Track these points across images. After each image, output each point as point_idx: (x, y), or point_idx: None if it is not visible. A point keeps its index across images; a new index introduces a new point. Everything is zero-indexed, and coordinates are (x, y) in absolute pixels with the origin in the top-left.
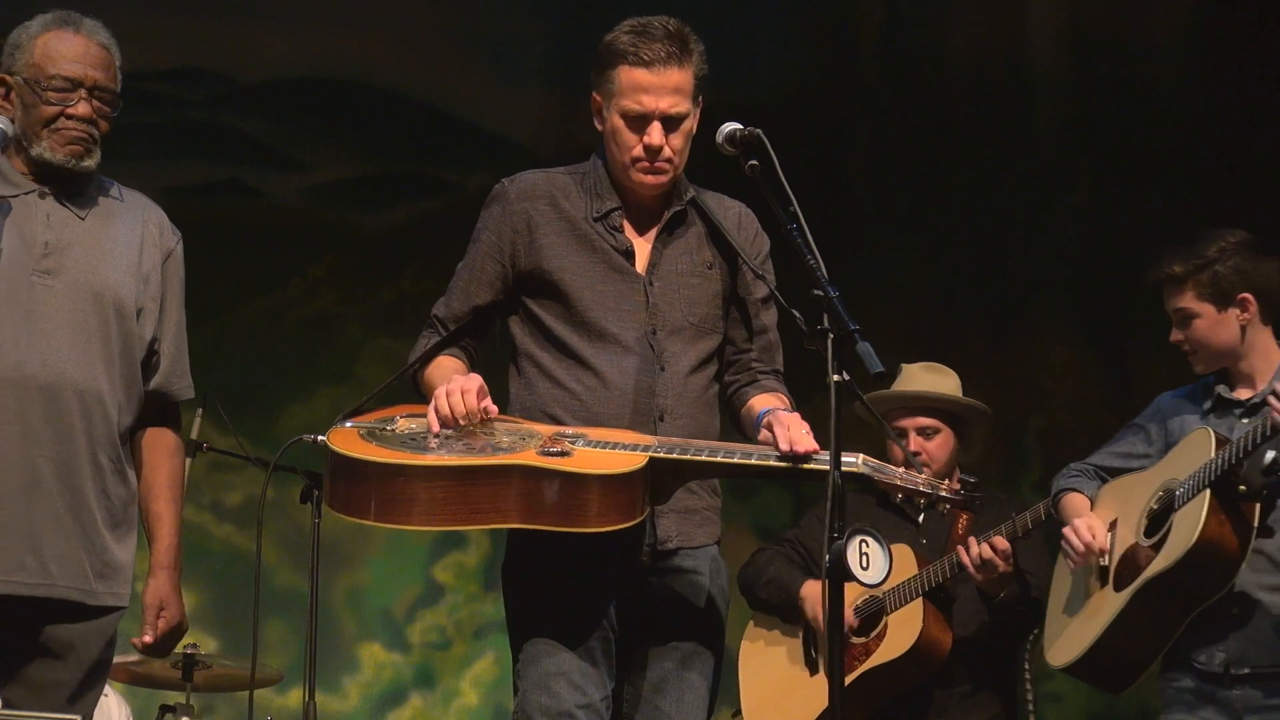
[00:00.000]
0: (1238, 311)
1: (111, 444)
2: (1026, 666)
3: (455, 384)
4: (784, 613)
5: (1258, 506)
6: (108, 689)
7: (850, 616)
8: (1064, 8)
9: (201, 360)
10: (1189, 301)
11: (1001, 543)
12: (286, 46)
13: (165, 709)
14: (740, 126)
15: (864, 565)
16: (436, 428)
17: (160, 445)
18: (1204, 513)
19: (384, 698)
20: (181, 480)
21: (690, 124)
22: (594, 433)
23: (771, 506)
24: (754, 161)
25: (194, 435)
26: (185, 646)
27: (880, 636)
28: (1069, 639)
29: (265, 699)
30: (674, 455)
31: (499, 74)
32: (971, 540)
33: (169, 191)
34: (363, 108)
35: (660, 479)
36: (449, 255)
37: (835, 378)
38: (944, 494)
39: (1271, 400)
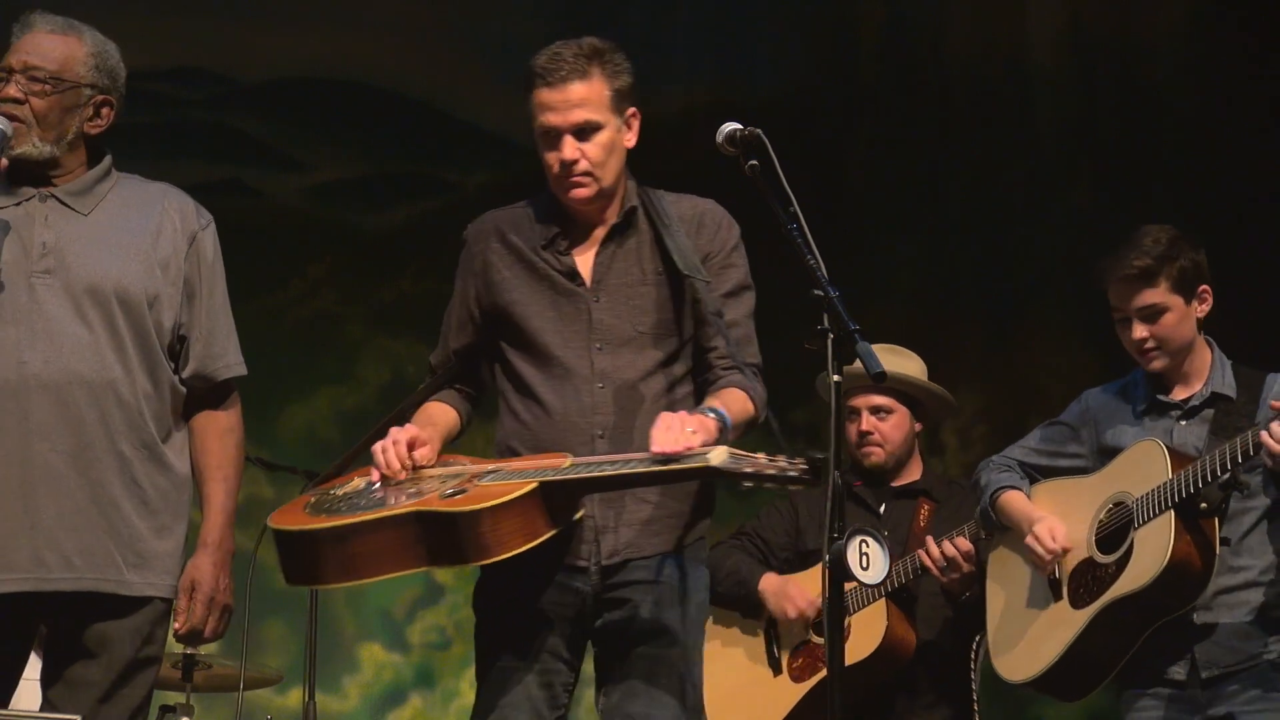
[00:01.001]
0: (1197, 304)
1: (136, 432)
2: (973, 674)
3: (389, 438)
4: (743, 607)
5: (1217, 520)
6: None
7: (811, 614)
8: (1064, 8)
9: None
10: (1162, 296)
11: (964, 543)
12: (287, 46)
13: (165, 709)
14: (740, 126)
15: (864, 565)
16: (376, 478)
17: (210, 428)
18: (1171, 534)
19: (384, 698)
20: (234, 460)
21: (608, 135)
22: (516, 464)
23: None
24: (754, 161)
25: None
26: (186, 647)
27: (844, 637)
28: (1025, 654)
29: (265, 699)
30: (559, 477)
31: (499, 74)
32: (931, 541)
33: None
34: (363, 108)
35: (560, 498)
36: (449, 256)
37: (835, 378)
38: (792, 474)
39: (1267, 439)
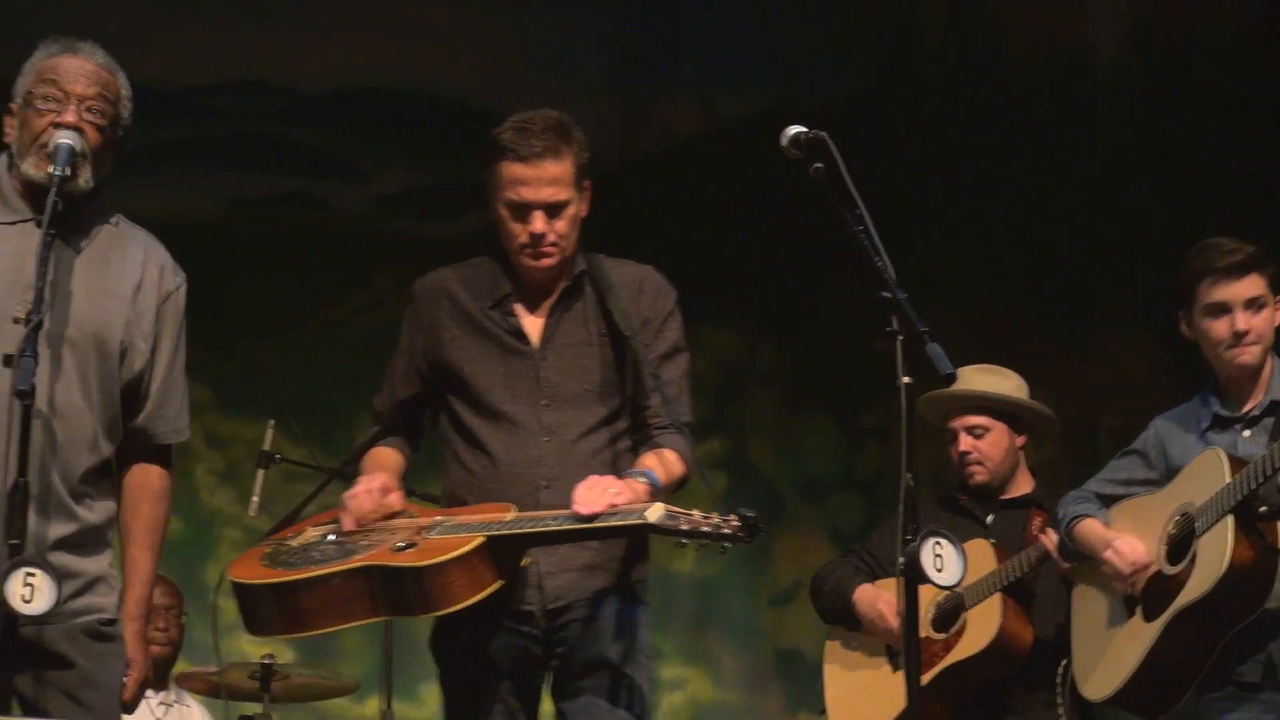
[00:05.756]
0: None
1: (80, 474)
2: (1060, 698)
3: (361, 485)
4: (844, 620)
5: (1278, 524)
6: (189, 700)
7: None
8: (1126, 8)
9: (272, 371)
10: (1262, 288)
11: None
12: (351, 58)
13: (244, 719)
14: (805, 129)
15: (938, 567)
16: (348, 526)
17: (143, 488)
18: (1230, 538)
19: None
20: (161, 527)
21: (574, 209)
22: (461, 516)
23: (842, 510)
24: (819, 164)
25: (266, 446)
26: (263, 657)
27: (959, 633)
28: (1104, 671)
29: (343, 708)
30: (504, 532)
31: (560, 82)
32: (1051, 530)
33: (236, 204)
34: (427, 118)
35: (507, 551)
36: None
37: (905, 380)
38: (726, 532)
39: None
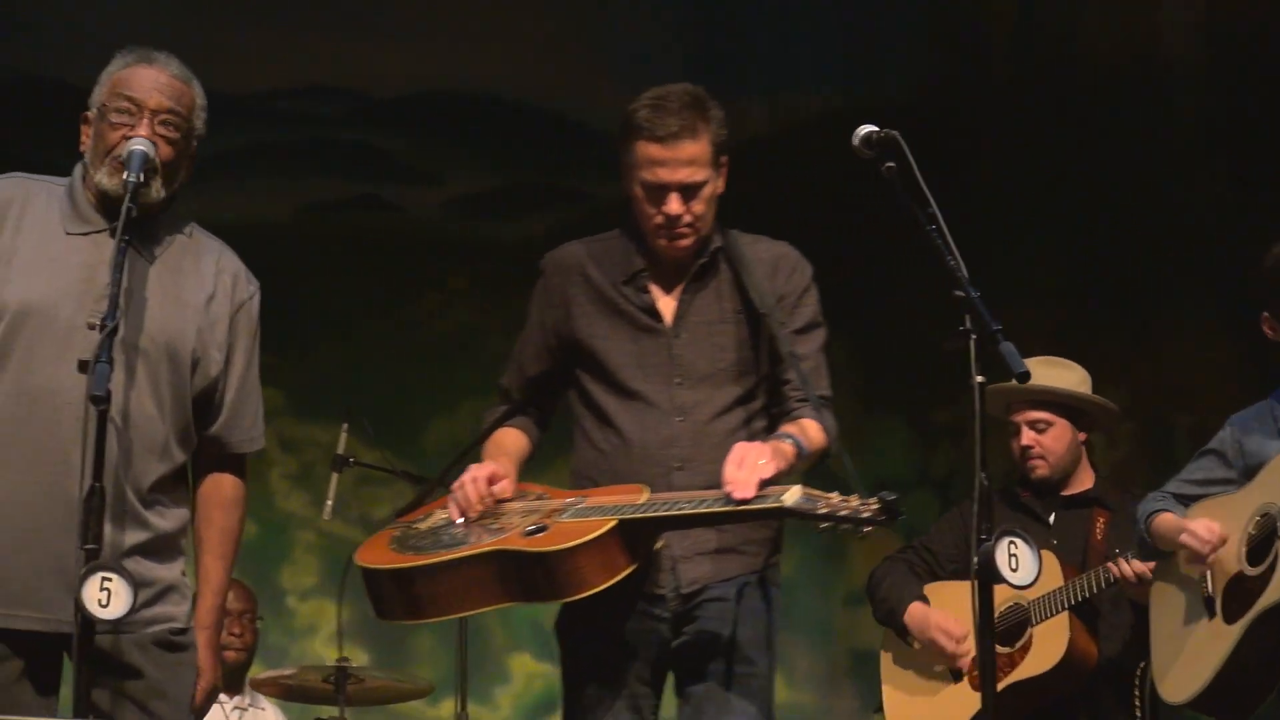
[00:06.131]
0: None
1: (153, 481)
2: (1137, 700)
3: (468, 474)
4: (898, 634)
5: None
6: (265, 702)
7: (958, 649)
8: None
9: (345, 374)
10: None
11: (1140, 566)
12: (421, 62)
13: None
14: (876, 129)
15: (1013, 567)
16: (456, 517)
17: (216, 497)
18: None
19: (535, 707)
20: (236, 536)
21: (710, 189)
22: (593, 497)
23: (916, 510)
24: (890, 163)
25: (340, 450)
26: (337, 660)
27: (1025, 648)
28: (1183, 673)
29: (417, 711)
30: (637, 515)
31: (631, 83)
32: (1122, 560)
33: (308, 208)
34: (497, 120)
35: (640, 534)
36: None
37: (978, 379)
38: (865, 516)
39: None
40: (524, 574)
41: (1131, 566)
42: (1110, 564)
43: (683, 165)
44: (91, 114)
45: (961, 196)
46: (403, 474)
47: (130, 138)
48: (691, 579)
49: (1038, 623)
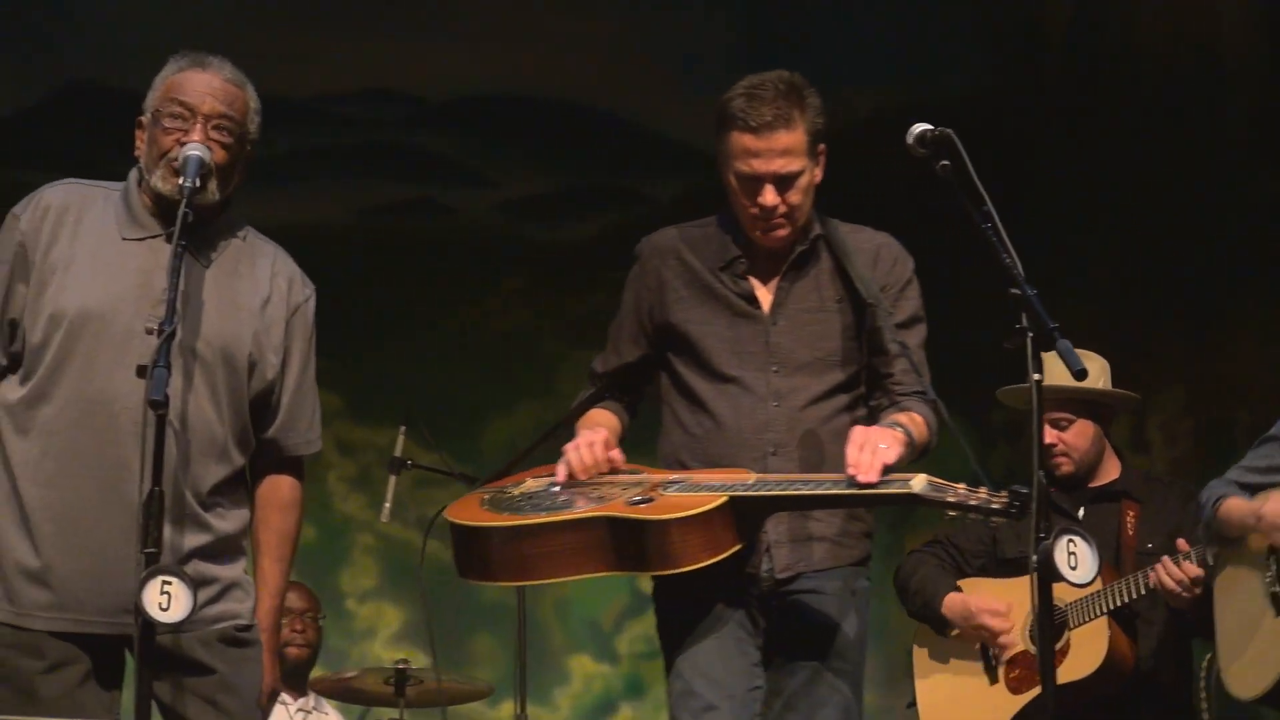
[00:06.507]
0: None
1: (213, 484)
2: (1204, 696)
3: (583, 438)
4: (933, 626)
5: None
6: (327, 706)
7: (1004, 626)
8: None
9: (402, 377)
10: None
11: (1192, 569)
12: (475, 65)
13: None
14: (930, 127)
15: (1072, 565)
16: (562, 477)
17: (273, 499)
18: None
19: (594, 708)
20: (293, 538)
21: (806, 179)
22: (699, 475)
23: None
24: (945, 162)
25: (398, 452)
26: (397, 662)
27: (1064, 652)
28: (1253, 669)
29: (477, 712)
30: (750, 493)
31: (685, 84)
32: (1169, 561)
33: (364, 212)
34: (552, 122)
35: (750, 513)
36: None
37: (1035, 377)
38: (996, 507)
39: None
40: (628, 542)
41: (1183, 570)
42: (1151, 571)
43: (777, 156)
44: (145, 119)
45: (1018, 193)
46: (460, 476)
47: (184, 142)
48: (785, 565)
49: (1075, 626)
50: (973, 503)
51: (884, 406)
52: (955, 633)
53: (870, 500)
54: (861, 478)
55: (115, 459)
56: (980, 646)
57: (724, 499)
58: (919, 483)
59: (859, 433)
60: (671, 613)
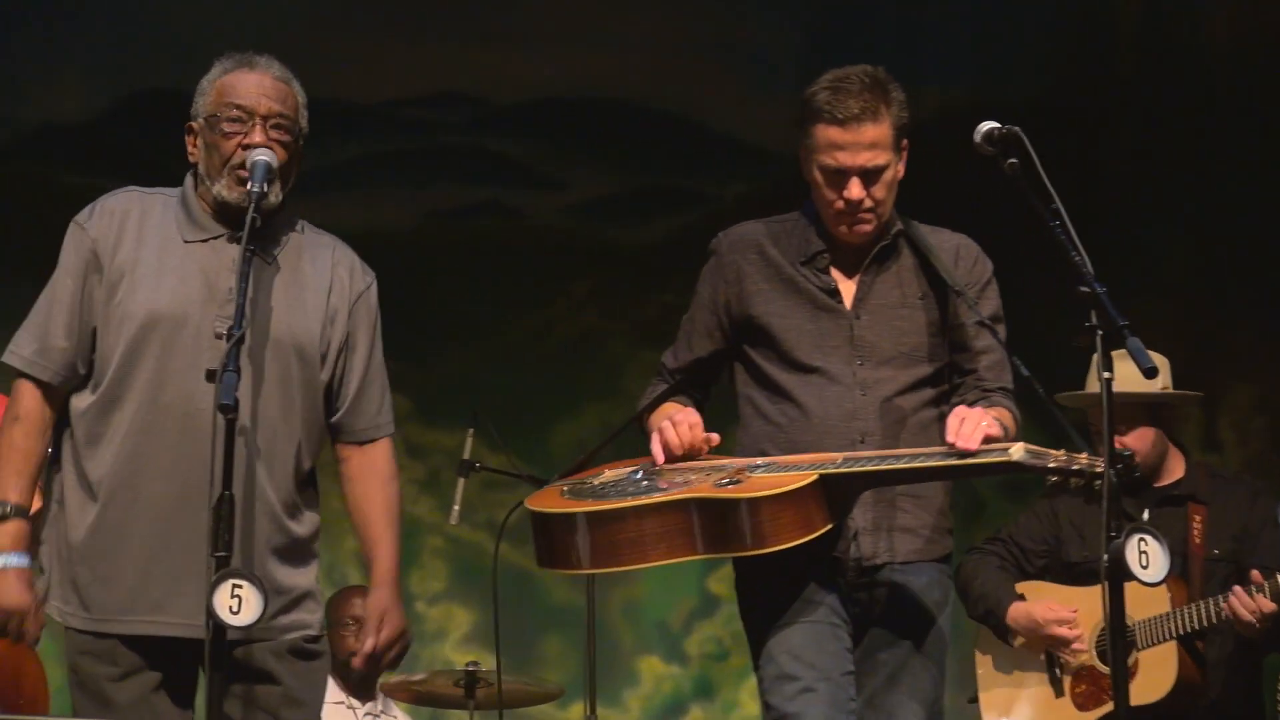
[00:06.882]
0: None
1: (287, 486)
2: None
3: (680, 417)
4: (996, 634)
5: None
6: (396, 709)
7: (1071, 636)
8: None
9: (470, 380)
10: None
11: (1267, 604)
12: (540, 67)
13: None
14: (998, 125)
15: (1143, 564)
16: (659, 455)
17: (371, 475)
18: None
19: (664, 710)
20: (398, 506)
21: (891, 173)
22: (784, 460)
23: None
24: (1013, 160)
25: (466, 455)
26: (467, 664)
27: (1132, 673)
28: None
29: (547, 714)
30: (843, 469)
31: (753, 83)
32: (1242, 592)
33: (431, 216)
34: (618, 124)
35: (841, 492)
36: None
37: (1106, 375)
38: (1099, 470)
39: None
40: (717, 523)
41: (1257, 603)
42: (1224, 601)
43: (864, 149)
44: (198, 124)
45: (1087, 192)
46: (528, 478)
47: (247, 146)
48: (872, 553)
49: (1143, 647)
50: (1075, 467)
51: (969, 402)
52: (1020, 642)
53: (969, 470)
54: (961, 444)
55: (191, 461)
56: (1045, 657)
57: (815, 476)
58: (1018, 450)
59: (959, 410)
60: (758, 597)
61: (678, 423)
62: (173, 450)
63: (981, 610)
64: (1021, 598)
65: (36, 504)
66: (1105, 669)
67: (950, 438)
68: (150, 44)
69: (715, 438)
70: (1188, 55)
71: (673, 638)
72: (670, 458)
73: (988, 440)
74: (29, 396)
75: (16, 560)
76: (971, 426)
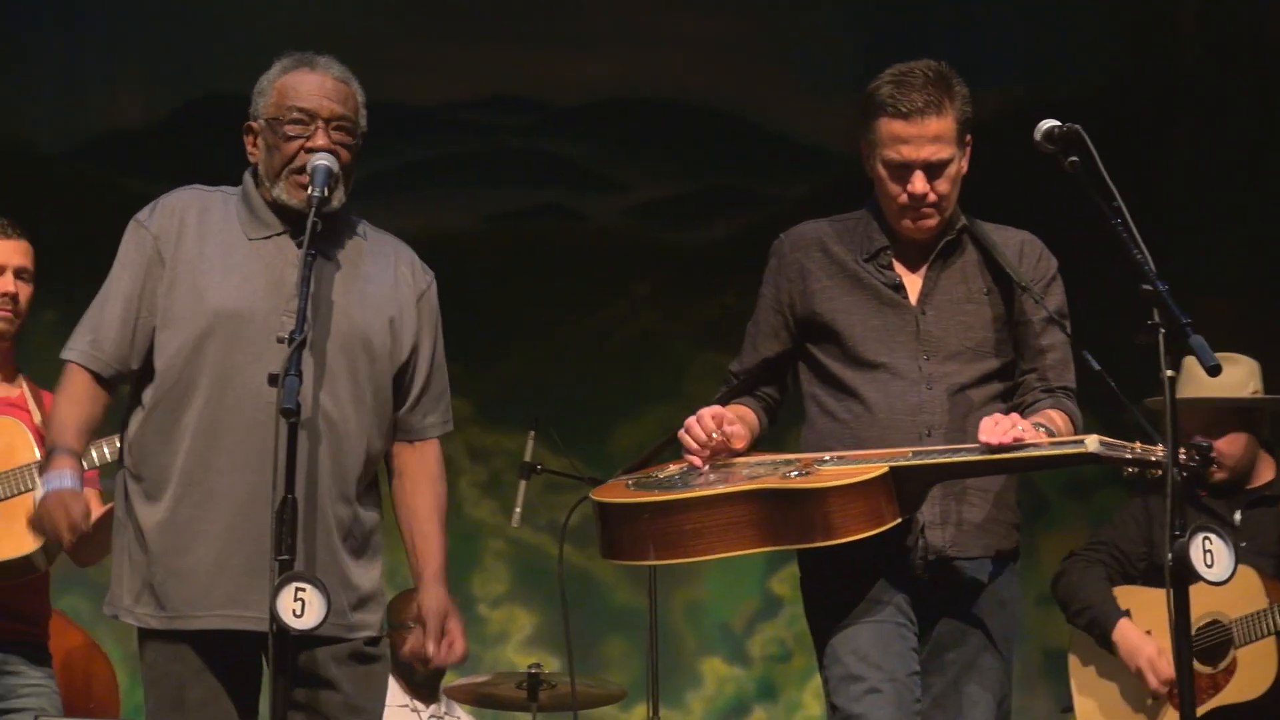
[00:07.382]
0: None
1: (355, 477)
2: None
3: (700, 413)
4: (1101, 644)
5: None
6: (459, 710)
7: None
8: None
9: (531, 382)
10: None
11: None
12: (599, 69)
13: None
14: (1058, 123)
15: (1208, 563)
16: (698, 462)
17: (422, 472)
18: None
19: (727, 711)
20: (445, 506)
21: (955, 167)
22: (853, 454)
23: (1108, 508)
24: (1074, 158)
25: (527, 458)
26: (530, 666)
27: (1229, 671)
28: None
29: (610, 716)
30: (914, 462)
31: (811, 85)
32: None
33: (492, 218)
34: (677, 125)
35: (910, 486)
36: None
37: (1169, 373)
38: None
39: None
40: (785, 514)
41: None
42: None
43: (928, 142)
44: (258, 125)
45: (1147, 190)
46: (590, 480)
47: (309, 149)
48: (938, 546)
49: (1241, 644)
50: (1153, 459)
51: (1025, 405)
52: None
53: (1043, 462)
54: (989, 440)
55: (262, 457)
56: None
57: (885, 469)
58: (1093, 441)
59: (994, 415)
60: (823, 597)
61: (701, 418)
62: (243, 445)
63: (1085, 620)
64: (1126, 613)
65: (98, 508)
66: (1204, 668)
67: (983, 436)
68: (209, 50)
69: (733, 431)
70: (1248, 53)
71: (735, 639)
72: (700, 454)
73: (1017, 441)
74: (78, 378)
75: (70, 482)
76: (1005, 427)
